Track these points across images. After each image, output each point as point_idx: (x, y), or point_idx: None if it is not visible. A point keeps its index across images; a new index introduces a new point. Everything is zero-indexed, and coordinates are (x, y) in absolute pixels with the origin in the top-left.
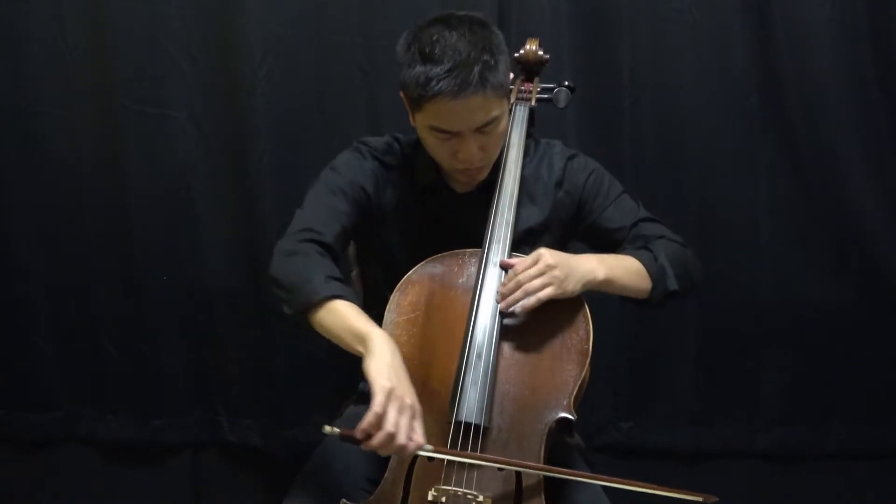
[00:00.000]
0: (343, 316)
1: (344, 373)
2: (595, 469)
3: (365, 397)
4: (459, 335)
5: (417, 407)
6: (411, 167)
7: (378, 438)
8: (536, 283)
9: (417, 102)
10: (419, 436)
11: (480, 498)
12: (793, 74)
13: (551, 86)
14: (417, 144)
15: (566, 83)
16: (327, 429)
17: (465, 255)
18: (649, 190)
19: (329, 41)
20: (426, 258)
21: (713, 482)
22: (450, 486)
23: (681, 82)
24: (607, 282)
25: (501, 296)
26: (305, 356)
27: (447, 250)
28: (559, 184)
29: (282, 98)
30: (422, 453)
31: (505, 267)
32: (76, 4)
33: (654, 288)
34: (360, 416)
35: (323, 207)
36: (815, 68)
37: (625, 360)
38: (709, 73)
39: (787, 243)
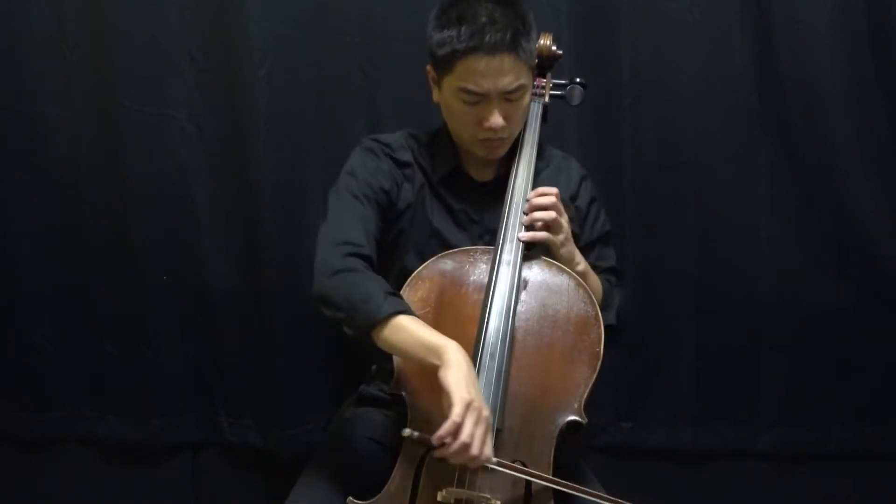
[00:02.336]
0: (411, 331)
1: (344, 373)
2: (593, 468)
3: (367, 399)
4: (470, 334)
5: (491, 421)
6: (428, 158)
7: (454, 447)
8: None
9: (449, 63)
10: (489, 449)
11: (493, 501)
12: (793, 74)
13: (564, 82)
14: (435, 136)
15: (578, 80)
16: (406, 432)
17: (476, 252)
18: (649, 190)
19: (329, 41)
20: (443, 248)
21: (713, 482)
22: (463, 488)
23: (681, 82)
24: (583, 274)
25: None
26: (305, 356)
27: (463, 238)
28: (573, 198)
29: (282, 98)
30: (489, 465)
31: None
32: (76, 4)
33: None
34: (365, 418)
35: (352, 217)
36: (815, 68)
37: (625, 361)
38: (709, 72)
39: (787, 243)
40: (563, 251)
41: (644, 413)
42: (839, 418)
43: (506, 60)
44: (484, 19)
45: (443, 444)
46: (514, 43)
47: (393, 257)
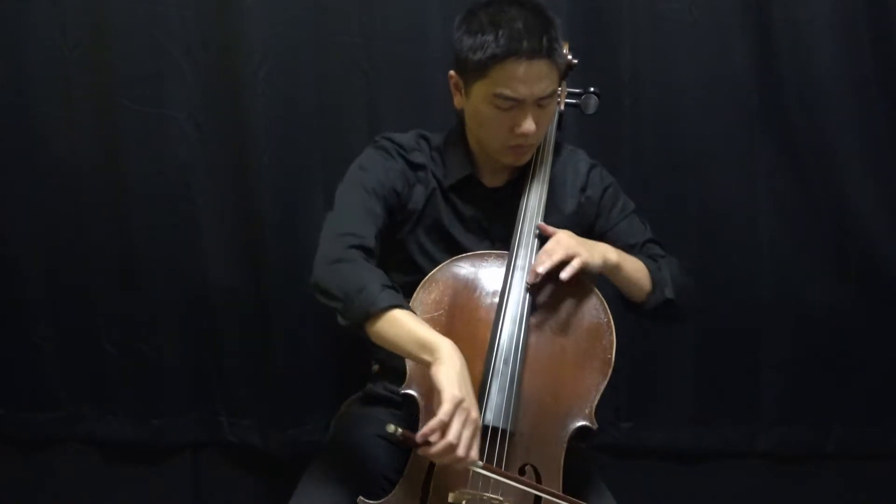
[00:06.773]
0: (404, 325)
1: (344, 373)
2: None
3: (372, 398)
4: (484, 338)
5: (479, 423)
6: (441, 164)
7: (439, 446)
8: (568, 252)
9: (483, 69)
10: (475, 452)
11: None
12: (793, 74)
13: (578, 90)
14: (447, 141)
15: (592, 89)
16: (391, 428)
17: (490, 256)
18: (649, 190)
19: (329, 41)
20: (453, 253)
21: (713, 482)
22: (476, 490)
23: (681, 82)
24: (618, 266)
25: (532, 274)
26: (305, 356)
27: (474, 244)
28: (583, 189)
29: (282, 98)
30: (473, 468)
31: (542, 233)
32: (76, 4)
33: (652, 291)
34: (372, 416)
35: (358, 209)
36: (815, 68)
37: (625, 360)
38: (709, 73)
39: (787, 243)
40: (594, 261)
41: (644, 413)
42: (839, 418)
43: (543, 66)
44: (520, 24)
45: (427, 443)
46: (551, 48)
47: (402, 259)
